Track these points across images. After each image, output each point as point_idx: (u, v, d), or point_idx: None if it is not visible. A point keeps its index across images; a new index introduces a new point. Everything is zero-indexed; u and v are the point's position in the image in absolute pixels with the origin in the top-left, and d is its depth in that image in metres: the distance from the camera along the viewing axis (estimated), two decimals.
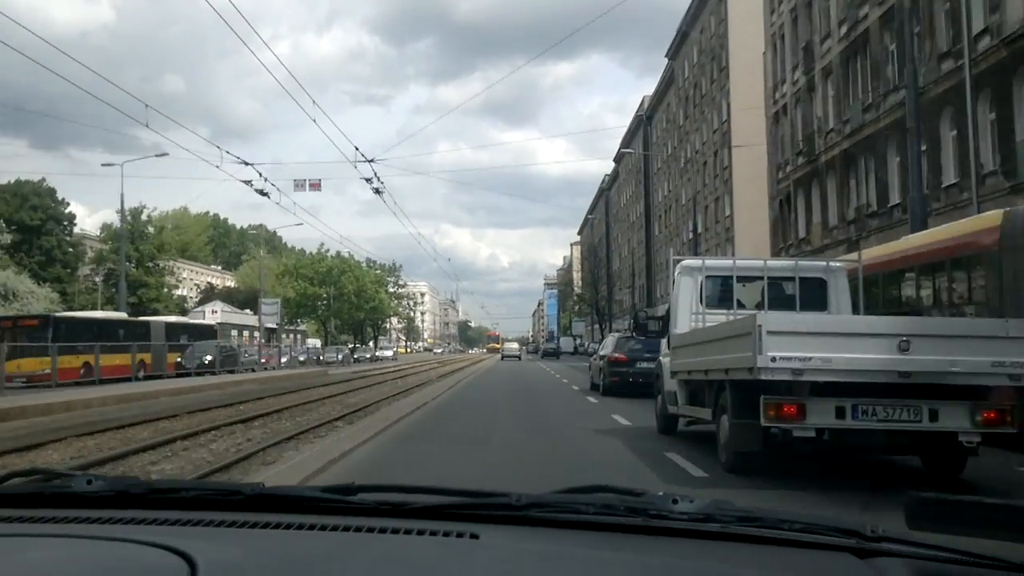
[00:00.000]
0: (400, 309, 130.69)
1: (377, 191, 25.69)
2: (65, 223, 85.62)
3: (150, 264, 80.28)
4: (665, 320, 14.20)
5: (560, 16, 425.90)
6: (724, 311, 12.35)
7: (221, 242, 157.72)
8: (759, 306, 12.24)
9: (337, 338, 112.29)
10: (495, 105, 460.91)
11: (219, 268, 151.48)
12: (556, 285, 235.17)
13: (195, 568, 1.47)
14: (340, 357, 65.26)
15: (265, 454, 12.52)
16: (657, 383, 14.65)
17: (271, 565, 1.59)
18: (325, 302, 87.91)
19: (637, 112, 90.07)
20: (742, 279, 12.91)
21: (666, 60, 76.17)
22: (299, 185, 30.06)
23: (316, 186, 30.79)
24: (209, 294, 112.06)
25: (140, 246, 77.73)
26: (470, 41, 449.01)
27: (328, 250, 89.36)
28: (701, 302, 12.71)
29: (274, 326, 71.77)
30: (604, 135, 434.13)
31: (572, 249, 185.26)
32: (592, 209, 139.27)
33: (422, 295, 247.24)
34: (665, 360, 13.63)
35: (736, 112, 54.93)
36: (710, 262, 14.32)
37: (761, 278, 12.57)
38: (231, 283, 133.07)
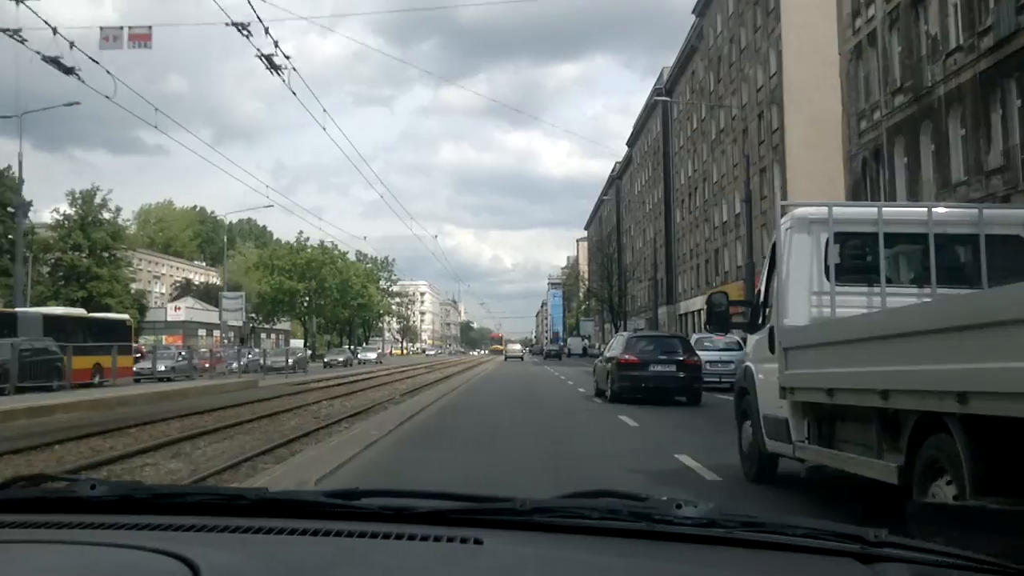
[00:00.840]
0: (394, 308, 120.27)
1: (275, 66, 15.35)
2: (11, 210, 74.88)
3: (105, 254, 69.32)
4: (758, 304, 9.52)
5: (565, 17, 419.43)
6: (865, 289, 8.03)
7: (209, 237, 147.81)
8: (920, 281, 8.12)
9: (319, 338, 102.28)
10: (499, 106, 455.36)
11: (203, 264, 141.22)
12: (561, 284, 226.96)
13: (198, 574, 1.47)
14: (291, 362, 51.72)
15: None
16: (742, 402, 9.74)
17: (275, 571, 1.60)
18: (306, 298, 77.32)
19: (655, 85, 79.45)
20: (895, 239, 8.17)
21: (693, 17, 65.60)
22: (110, 38, 19.04)
23: (142, 38, 19.66)
24: (186, 290, 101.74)
25: (92, 233, 66.81)
26: (475, 42, 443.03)
27: (308, 238, 78.77)
28: (828, 275, 8.06)
29: (239, 323, 61.34)
30: (608, 136, 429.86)
31: (579, 246, 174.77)
32: (601, 201, 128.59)
33: (422, 295, 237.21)
34: (765, 367, 8.86)
35: (790, 62, 44.42)
36: (843, 211, 8.71)
37: (922, 236, 7.90)
38: (216, 279, 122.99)
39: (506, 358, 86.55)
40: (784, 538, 1.63)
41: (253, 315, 77.08)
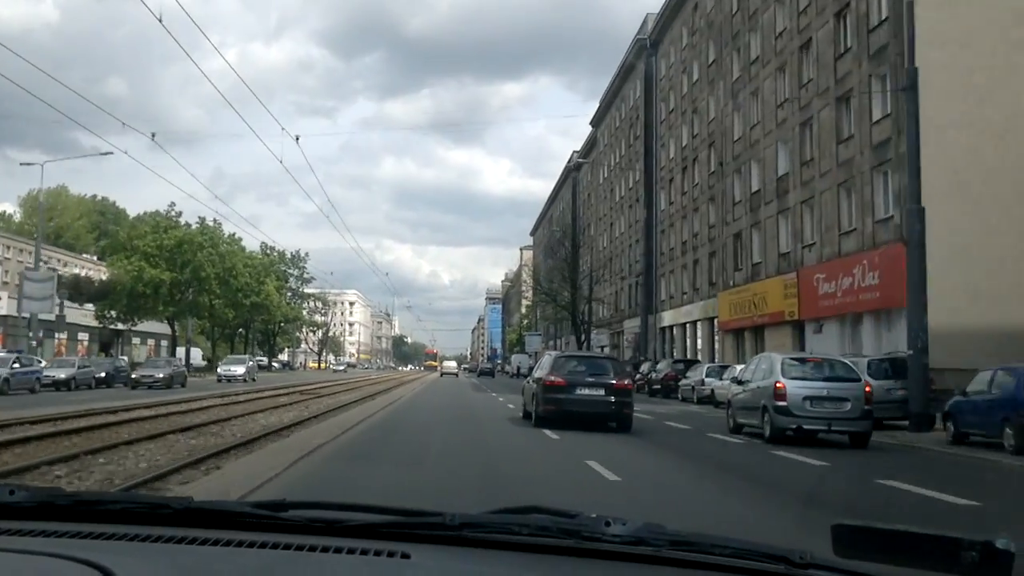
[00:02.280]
0: (307, 313, 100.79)
1: None
2: None
3: None
4: None
5: (510, 36, 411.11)
6: None
7: (109, 229, 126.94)
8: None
9: (220, 346, 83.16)
10: (442, 122, 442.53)
11: (95, 257, 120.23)
12: (500, 299, 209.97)
13: None
14: (163, 375, 35.94)
15: None
16: None
17: None
18: (180, 290, 57.79)
19: (637, 37, 61.74)
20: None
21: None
22: None
23: None
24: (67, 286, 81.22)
25: None
26: (420, 57, 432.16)
27: (180, 212, 58.84)
28: None
29: (50, 316, 42.02)
30: (549, 157, 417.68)
31: (522, 255, 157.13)
32: (554, 199, 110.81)
33: (351, 304, 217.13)
34: None
35: None
36: None
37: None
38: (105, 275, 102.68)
39: (442, 374, 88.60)
40: (712, 557, 1.62)
41: (109, 313, 57.46)
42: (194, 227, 58.28)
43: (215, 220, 59.59)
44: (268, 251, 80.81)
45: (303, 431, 16.37)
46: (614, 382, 18.25)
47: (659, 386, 37.70)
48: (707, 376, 31.99)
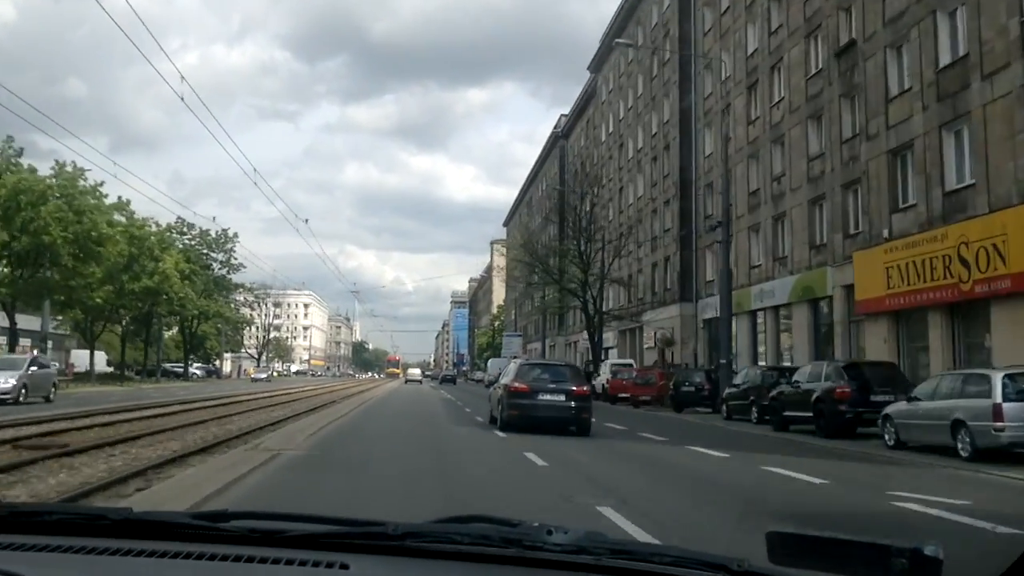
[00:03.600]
0: (237, 309, 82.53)
1: None
2: None
3: None
4: None
5: (475, 43, 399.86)
6: None
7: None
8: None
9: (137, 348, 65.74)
10: (406, 128, 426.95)
11: None
12: (466, 303, 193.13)
13: None
14: (13, 383, 18.86)
15: None
16: None
17: None
18: (21, 261, 39.60)
19: None
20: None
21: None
22: None
23: None
24: None
25: None
26: (384, 62, 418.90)
27: (20, 151, 40.14)
28: None
29: None
30: (512, 163, 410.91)
31: (493, 250, 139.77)
32: (532, 179, 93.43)
33: (305, 306, 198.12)
34: None
35: None
36: None
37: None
38: None
39: (406, 381, 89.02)
40: (651, 565, 1.62)
41: None
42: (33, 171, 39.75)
43: (74, 164, 41.05)
44: (181, 227, 62.76)
45: None
46: (574, 388, 18.98)
47: (811, 412, 19.67)
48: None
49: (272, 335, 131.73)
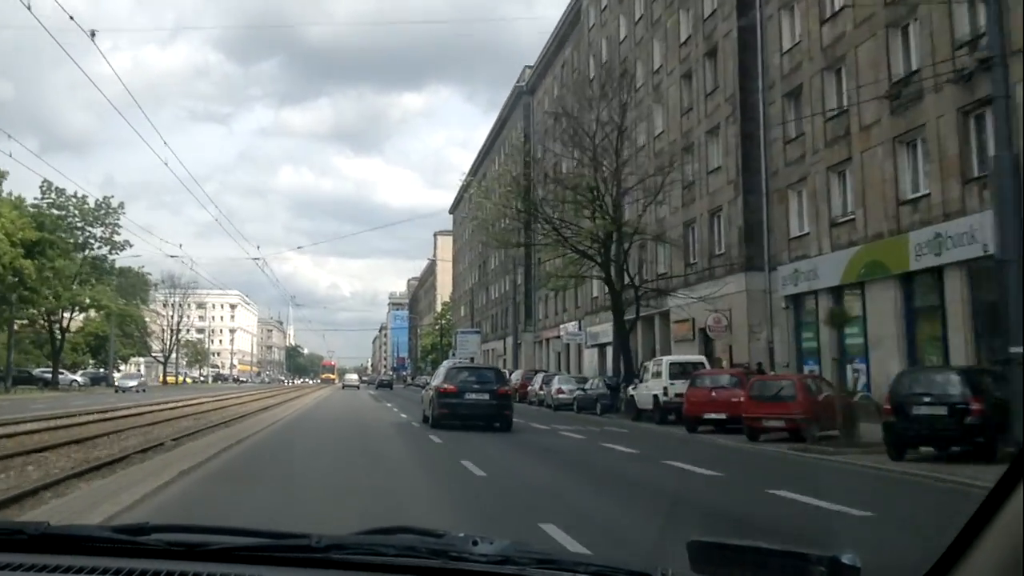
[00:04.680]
0: (136, 305, 66.97)
1: None
2: None
3: None
4: None
5: (411, 47, 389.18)
6: None
7: None
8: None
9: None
10: (342, 132, 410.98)
11: None
12: (405, 304, 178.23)
13: None
14: None
15: None
16: None
17: None
18: None
19: None
20: None
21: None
22: None
23: None
24: None
25: None
26: (319, 66, 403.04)
27: None
28: None
29: None
30: (448, 168, 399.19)
31: (437, 243, 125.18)
32: (487, 150, 79.14)
33: (232, 307, 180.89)
34: None
35: None
36: None
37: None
38: None
39: (344, 387, 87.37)
40: (575, 575, 1.60)
41: None
42: None
43: None
44: (60, 193, 47.40)
45: None
46: (497, 389, 20.85)
47: None
48: None
49: (188, 337, 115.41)
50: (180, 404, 32.60)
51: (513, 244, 31.86)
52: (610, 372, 40.00)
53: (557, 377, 35.86)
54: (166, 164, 56.58)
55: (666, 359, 22.68)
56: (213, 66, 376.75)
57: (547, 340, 57.94)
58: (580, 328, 47.19)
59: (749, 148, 27.80)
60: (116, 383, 53.32)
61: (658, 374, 22.72)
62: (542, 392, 36.13)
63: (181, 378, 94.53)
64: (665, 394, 21.82)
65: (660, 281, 29.52)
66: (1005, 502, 1.20)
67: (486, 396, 20.28)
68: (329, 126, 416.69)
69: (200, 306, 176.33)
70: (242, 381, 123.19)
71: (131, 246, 52.54)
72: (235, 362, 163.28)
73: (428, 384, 25.95)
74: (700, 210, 30.96)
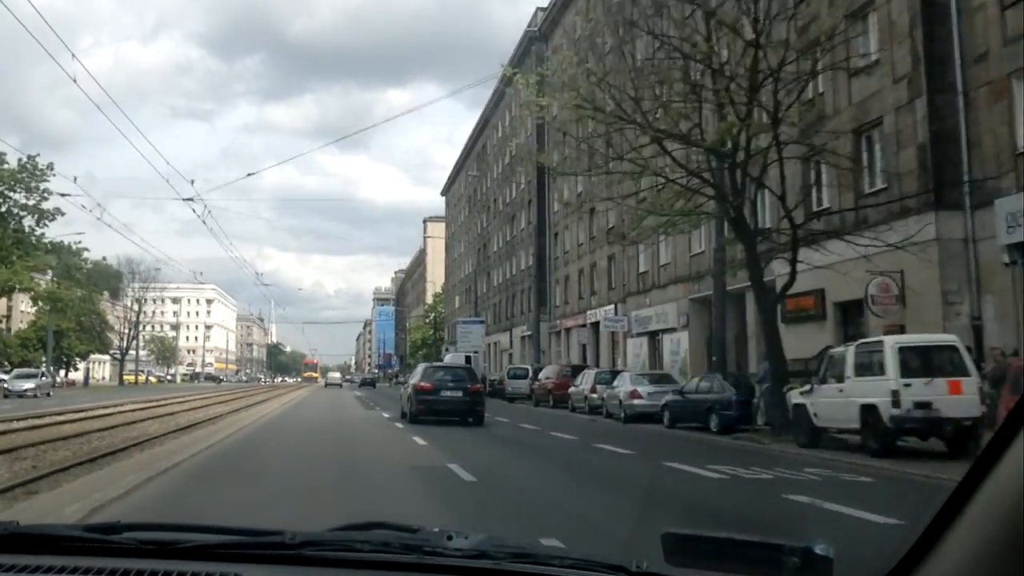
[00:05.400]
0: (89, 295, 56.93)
1: None
2: None
3: None
4: None
5: (395, 43, 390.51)
6: None
7: None
8: None
9: None
10: (326, 129, 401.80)
11: None
12: (391, 299, 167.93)
13: None
14: None
15: None
16: None
17: None
18: None
19: None
20: None
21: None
22: None
23: None
24: None
25: None
26: (303, 62, 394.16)
27: None
28: None
29: None
30: (433, 166, 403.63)
31: (427, 228, 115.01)
32: (493, 108, 69.02)
33: (208, 302, 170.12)
34: None
35: None
36: None
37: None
38: None
39: (326, 385, 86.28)
40: (551, 569, 1.59)
41: None
42: None
43: None
44: None
45: None
46: (470, 386, 21.91)
47: None
48: None
49: (156, 333, 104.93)
50: (90, 414, 22.90)
51: (592, 171, 20.91)
52: (674, 365, 30.52)
53: (627, 375, 25.99)
54: (155, 165, 46.46)
55: (891, 341, 12.74)
56: (195, 62, 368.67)
57: (567, 330, 48.24)
58: (619, 313, 37.58)
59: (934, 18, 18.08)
60: (5, 385, 42.14)
61: (868, 367, 12.93)
62: (596, 397, 26.34)
63: (142, 377, 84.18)
64: (895, 404, 12.04)
65: (814, 222, 19.13)
66: (975, 491, 1.17)
67: (459, 393, 21.43)
68: (314, 122, 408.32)
69: (175, 301, 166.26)
70: (220, 380, 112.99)
71: (63, 214, 42.28)
72: (211, 360, 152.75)
73: (407, 382, 26.47)
74: (876, 111, 20.77)
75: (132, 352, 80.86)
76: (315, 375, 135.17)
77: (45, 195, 41.43)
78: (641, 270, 34.86)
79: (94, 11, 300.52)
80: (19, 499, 8.59)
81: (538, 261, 52.69)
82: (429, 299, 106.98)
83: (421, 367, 25.22)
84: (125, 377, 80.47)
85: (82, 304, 79.08)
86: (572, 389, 28.54)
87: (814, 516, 8.06)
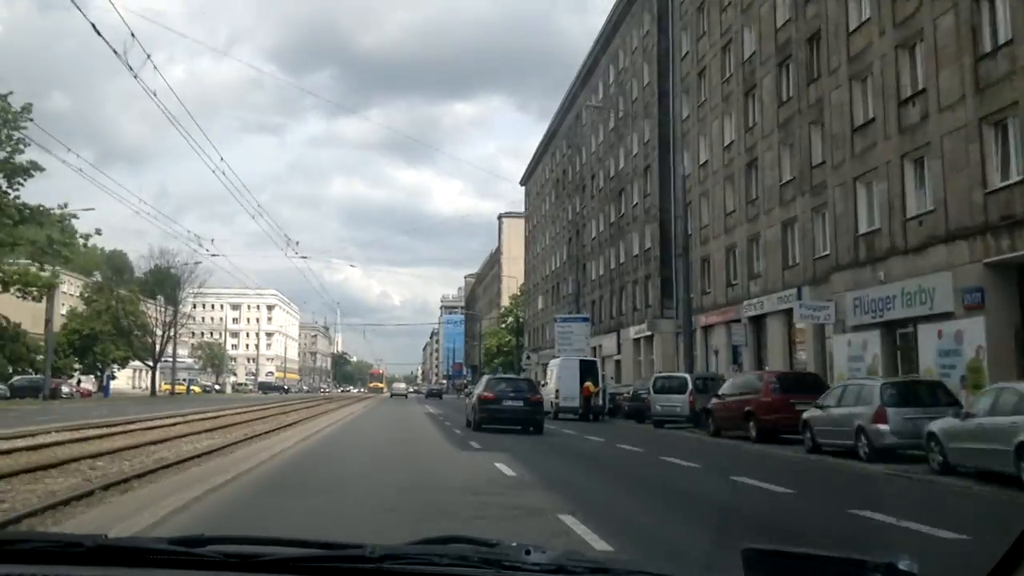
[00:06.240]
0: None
1: None
2: None
3: None
4: None
5: (463, 57, 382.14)
6: None
7: None
8: None
9: None
10: (392, 142, 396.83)
11: None
12: (459, 308, 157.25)
13: None
14: None
15: None
16: None
17: None
18: None
19: None
20: None
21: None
22: None
23: None
24: None
25: None
26: (370, 76, 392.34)
27: None
28: None
29: None
30: (499, 178, 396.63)
31: (503, 225, 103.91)
32: (574, 93, 57.40)
33: (268, 308, 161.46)
34: None
35: None
36: None
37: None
38: None
39: (392, 395, 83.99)
40: None
41: None
42: None
43: None
44: None
45: None
46: (530, 397, 22.85)
47: None
48: None
49: (206, 339, 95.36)
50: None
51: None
52: (949, 371, 18.59)
53: (875, 386, 14.89)
54: (220, 172, 38.74)
55: None
56: (266, 77, 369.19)
57: (706, 328, 36.41)
58: (807, 298, 25.70)
59: None
60: None
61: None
62: (891, 433, 14.63)
63: (180, 387, 74.20)
64: None
65: None
66: None
67: (520, 403, 22.35)
68: (381, 136, 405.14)
69: (234, 307, 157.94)
70: (286, 390, 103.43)
71: (42, 169, 31.74)
72: (271, 368, 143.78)
73: (471, 392, 27.20)
74: None
75: (174, 359, 71.07)
76: (381, 385, 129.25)
77: (20, 146, 30.93)
78: (864, 229, 22.91)
79: (168, 26, 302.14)
80: None
81: (662, 243, 40.96)
82: (505, 302, 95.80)
83: (485, 378, 26.42)
84: (163, 387, 70.62)
85: (121, 305, 69.94)
86: (813, 414, 16.61)
87: None
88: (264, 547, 1.70)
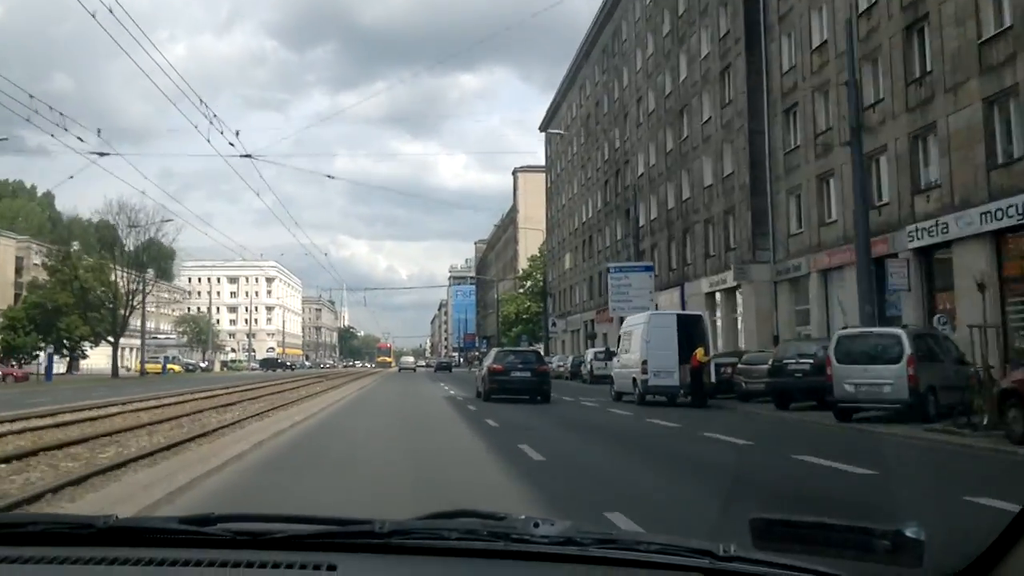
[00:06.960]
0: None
1: None
2: None
3: None
4: None
5: (467, 28, 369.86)
6: None
7: None
8: None
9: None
10: (399, 115, 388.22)
11: None
12: (467, 277, 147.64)
13: None
14: None
15: None
16: None
17: None
18: None
19: None
20: None
21: None
22: None
23: None
24: None
25: None
26: (374, 49, 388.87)
27: None
28: None
29: None
30: (504, 150, 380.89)
31: (518, 180, 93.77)
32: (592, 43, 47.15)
33: (268, 281, 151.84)
34: None
35: None
36: None
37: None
38: None
39: (400, 369, 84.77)
40: (638, 554, 1.57)
41: None
42: None
43: None
44: None
45: None
46: (537, 367, 23.60)
47: None
48: None
49: (187, 312, 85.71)
50: None
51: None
52: None
53: None
54: (225, 158, 31.73)
55: None
56: (268, 53, 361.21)
57: (823, 271, 26.64)
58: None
59: None
60: None
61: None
62: None
63: (157, 366, 64.41)
64: None
65: None
66: None
67: (528, 374, 23.13)
68: (385, 110, 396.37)
69: (232, 280, 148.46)
70: (289, 366, 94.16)
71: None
72: (273, 344, 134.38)
73: (481, 365, 28.55)
74: None
75: (143, 333, 61.33)
76: (389, 359, 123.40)
77: None
78: None
79: (169, 5, 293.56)
80: None
81: (752, 164, 31.04)
82: (523, 265, 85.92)
83: (493, 351, 27.31)
84: (133, 366, 61.10)
85: (91, 275, 60.36)
86: None
87: None
88: (273, 523, 1.68)
